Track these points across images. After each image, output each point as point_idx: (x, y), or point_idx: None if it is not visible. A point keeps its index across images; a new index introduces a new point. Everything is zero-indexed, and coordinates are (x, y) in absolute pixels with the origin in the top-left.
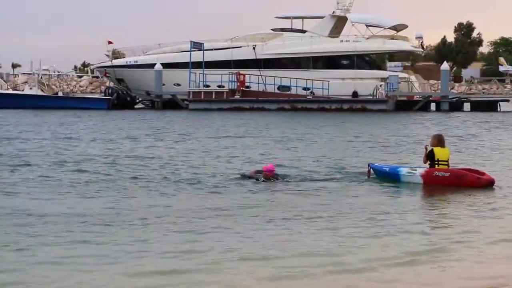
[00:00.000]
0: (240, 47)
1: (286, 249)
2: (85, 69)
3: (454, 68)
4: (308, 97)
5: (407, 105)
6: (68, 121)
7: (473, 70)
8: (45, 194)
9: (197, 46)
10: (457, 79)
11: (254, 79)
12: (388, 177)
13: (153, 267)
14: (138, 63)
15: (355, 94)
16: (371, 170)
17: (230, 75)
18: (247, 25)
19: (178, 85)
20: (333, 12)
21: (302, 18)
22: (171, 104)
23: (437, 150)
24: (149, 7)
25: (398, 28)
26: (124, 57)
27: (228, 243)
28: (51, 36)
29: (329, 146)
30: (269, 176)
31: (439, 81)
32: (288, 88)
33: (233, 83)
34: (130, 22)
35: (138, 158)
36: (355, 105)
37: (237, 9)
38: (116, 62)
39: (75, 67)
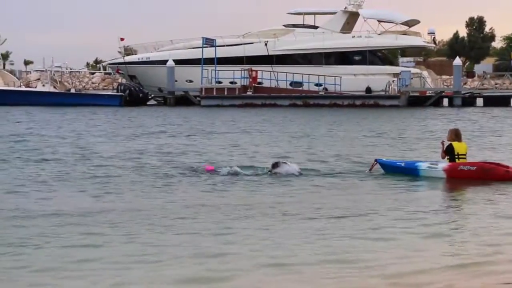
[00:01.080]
0: (252, 43)
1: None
2: (98, 65)
3: (467, 64)
4: (320, 93)
5: (420, 101)
6: (88, 119)
7: (485, 65)
8: (68, 191)
9: (209, 42)
10: (470, 74)
11: (266, 75)
12: (403, 173)
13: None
14: (151, 59)
15: (368, 90)
16: (376, 165)
17: (242, 71)
18: (259, 24)
19: (191, 81)
20: (345, 7)
21: (314, 14)
22: (184, 100)
23: (456, 144)
24: (161, 5)
25: (410, 23)
26: (136, 54)
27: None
28: (63, 33)
29: (345, 142)
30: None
31: (452, 77)
32: (300, 84)
33: (245, 79)
34: (142, 19)
35: (168, 154)
36: (368, 101)
37: (248, 9)
38: (129, 58)
39: (88, 64)
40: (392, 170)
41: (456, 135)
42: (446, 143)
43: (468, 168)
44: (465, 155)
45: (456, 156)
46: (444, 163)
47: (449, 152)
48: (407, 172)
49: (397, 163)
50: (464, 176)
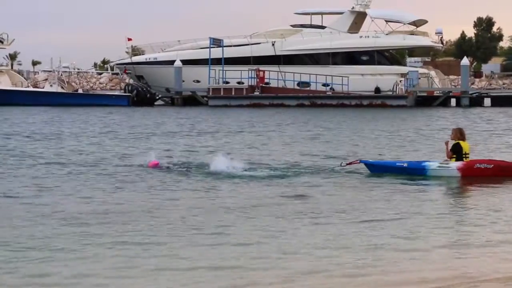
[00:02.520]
0: (260, 43)
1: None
2: (105, 66)
3: (474, 63)
4: (327, 93)
5: (427, 101)
6: (105, 118)
7: (493, 65)
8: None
9: (216, 42)
10: (477, 74)
11: (274, 75)
12: (404, 173)
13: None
14: (158, 60)
15: (377, 90)
16: (358, 164)
17: (250, 72)
18: (266, 24)
19: (198, 81)
20: (353, 7)
21: (321, 14)
22: (191, 100)
23: (462, 144)
24: (168, 5)
25: (417, 23)
26: (143, 54)
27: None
28: (71, 33)
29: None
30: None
31: (459, 77)
32: (307, 84)
33: (253, 79)
34: (150, 20)
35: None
36: (375, 101)
37: (255, 10)
38: (136, 59)
39: (95, 64)
40: (385, 170)
41: (460, 133)
42: (451, 143)
43: (485, 166)
44: (469, 154)
45: (464, 155)
46: (458, 162)
47: (456, 151)
48: (411, 172)
49: (396, 164)
50: (481, 174)
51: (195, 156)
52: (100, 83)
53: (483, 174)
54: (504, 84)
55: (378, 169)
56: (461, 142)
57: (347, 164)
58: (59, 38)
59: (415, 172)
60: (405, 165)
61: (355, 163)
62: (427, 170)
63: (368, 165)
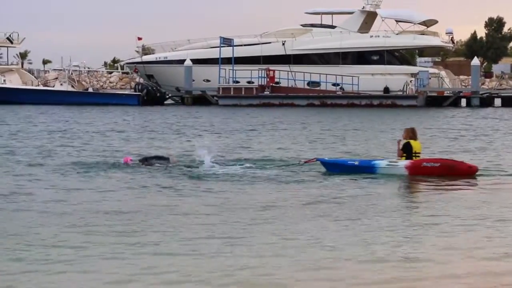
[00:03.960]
0: (270, 43)
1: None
2: (115, 65)
3: (485, 64)
4: (337, 93)
5: (437, 101)
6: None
7: (503, 65)
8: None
9: (226, 42)
10: (488, 74)
11: (284, 75)
12: (356, 171)
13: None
14: (168, 59)
15: (386, 90)
16: (313, 163)
17: (260, 71)
18: (276, 24)
19: (208, 81)
20: (363, 7)
21: (332, 13)
22: (201, 100)
23: (413, 143)
24: (179, 5)
25: (428, 23)
26: (154, 53)
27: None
28: (81, 32)
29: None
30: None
31: (470, 77)
32: (317, 84)
33: (263, 79)
34: (160, 19)
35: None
36: (385, 100)
37: (266, 9)
38: (146, 58)
39: (105, 63)
40: (339, 169)
41: (413, 133)
42: (403, 142)
43: (432, 164)
44: (420, 153)
45: (414, 154)
46: (406, 161)
47: (407, 150)
48: (362, 170)
49: (348, 162)
50: (428, 173)
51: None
52: (110, 82)
53: (431, 173)
54: None
55: (332, 168)
56: (412, 141)
57: (305, 162)
58: (70, 37)
59: (365, 170)
60: (356, 163)
61: (312, 161)
62: (377, 168)
63: (324, 163)
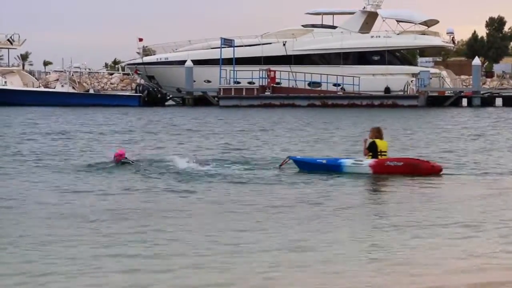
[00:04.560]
0: (271, 43)
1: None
2: (116, 66)
3: (486, 63)
4: (338, 93)
5: (438, 101)
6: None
7: (504, 65)
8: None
9: (227, 42)
10: (489, 74)
11: (285, 76)
12: (324, 170)
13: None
14: (169, 60)
15: (387, 90)
16: (287, 162)
17: (261, 72)
18: (277, 24)
19: (209, 81)
20: (364, 7)
21: (333, 14)
22: (202, 100)
23: (378, 142)
24: (177, 6)
25: (429, 23)
26: (154, 54)
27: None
28: (82, 33)
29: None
30: (119, 160)
31: (471, 77)
32: (318, 84)
33: (264, 79)
34: (160, 20)
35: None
36: (386, 101)
37: (266, 10)
38: (147, 59)
39: (106, 64)
40: (309, 167)
41: (378, 132)
42: (369, 141)
43: (395, 163)
44: (386, 152)
45: (379, 153)
46: (370, 160)
47: (372, 150)
48: (328, 168)
49: (317, 161)
50: (391, 171)
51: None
52: (111, 83)
53: (394, 172)
54: None
55: (303, 166)
56: (377, 140)
57: (280, 165)
58: (70, 37)
59: (332, 169)
60: (324, 162)
61: (286, 161)
62: (343, 167)
63: (296, 161)
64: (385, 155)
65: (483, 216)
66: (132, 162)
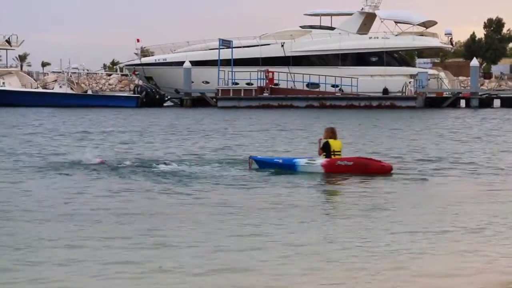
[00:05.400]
0: (269, 44)
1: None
2: (114, 67)
3: (484, 64)
4: (336, 94)
5: (437, 102)
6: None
7: (503, 66)
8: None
9: (225, 43)
10: (487, 75)
11: (283, 77)
12: (281, 169)
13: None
14: (167, 61)
15: (385, 91)
16: (253, 162)
17: (259, 73)
18: (275, 25)
19: (207, 82)
20: (362, 8)
21: (331, 15)
22: (200, 101)
23: (332, 142)
24: (176, 6)
25: (427, 24)
26: (153, 55)
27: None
28: (80, 34)
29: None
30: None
31: (469, 78)
32: (316, 85)
33: (262, 80)
34: (159, 21)
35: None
36: (384, 102)
37: (264, 11)
38: (145, 60)
39: (104, 65)
40: (268, 166)
41: (332, 132)
42: (323, 141)
43: (345, 163)
44: (340, 151)
45: (332, 153)
46: (322, 159)
47: (326, 149)
48: (284, 167)
49: (274, 160)
50: (342, 171)
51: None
52: (109, 84)
53: (345, 171)
54: None
55: (263, 165)
56: (331, 140)
57: (250, 167)
58: (69, 37)
59: (288, 168)
60: (281, 161)
61: (250, 162)
62: (297, 166)
63: (256, 161)
64: (338, 154)
65: (482, 215)
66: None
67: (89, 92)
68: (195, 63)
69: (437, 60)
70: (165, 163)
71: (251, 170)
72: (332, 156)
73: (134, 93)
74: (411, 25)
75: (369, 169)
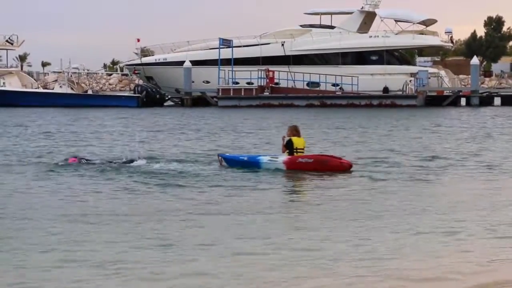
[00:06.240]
0: (269, 43)
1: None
2: (115, 67)
3: (484, 63)
4: (337, 93)
5: (437, 100)
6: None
7: (503, 64)
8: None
9: (226, 43)
10: (487, 73)
11: (283, 76)
12: (246, 166)
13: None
14: (167, 60)
15: (386, 89)
16: (222, 160)
17: (259, 72)
18: (275, 24)
19: (207, 82)
20: (362, 7)
21: (331, 14)
22: (201, 101)
23: (295, 139)
24: (176, 6)
25: (427, 23)
26: (153, 55)
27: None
28: (81, 34)
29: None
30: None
31: (469, 76)
32: (317, 84)
33: (262, 79)
34: (159, 20)
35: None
36: (385, 100)
37: (264, 10)
38: (145, 60)
39: (105, 65)
40: (234, 164)
41: (295, 130)
42: (286, 139)
43: (306, 160)
44: (303, 149)
45: (295, 150)
46: (284, 156)
47: (289, 147)
48: (249, 165)
49: (240, 157)
50: (302, 168)
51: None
52: (109, 84)
53: (306, 168)
54: None
55: (230, 162)
56: (294, 138)
57: (220, 164)
58: (69, 39)
59: (252, 165)
60: (246, 158)
61: (220, 159)
62: (261, 163)
63: (225, 159)
64: (301, 152)
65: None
66: (86, 161)
67: (90, 92)
68: (196, 63)
69: (437, 59)
70: (132, 160)
71: (221, 167)
72: (295, 153)
73: (135, 93)
74: (411, 24)
75: (328, 166)
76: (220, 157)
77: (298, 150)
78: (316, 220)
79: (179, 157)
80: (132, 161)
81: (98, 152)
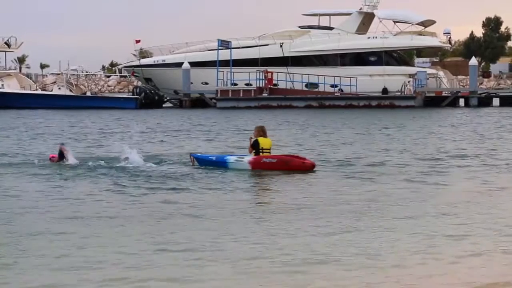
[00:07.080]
0: (268, 45)
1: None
2: (113, 68)
3: (483, 63)
4: (336, 94)
5: (436, 101)
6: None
7: (501, 65)
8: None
9: (224, 44)
10: (486, 74)
11: (282, 77)
12: (215, 166)
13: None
14: (166, 62)
15: (385, 90)
16: (194, 160)
17: (258, 73)
18: (274, 26)
19: (206, 83)
20: (360, 8)
21: (329, 15)
22: (199, 102)
23: (261, 140)
24: (176, 6)
25: (425, 23)
26: (151, 56)
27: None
28: (79, 36)
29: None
30: (54, 161)
31: (468, 77)
32: (316, 85)
33: (261, 81)
34: (157, 22)
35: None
36: (383, 101)
37: (263, 11)
38: (144, 61)
39: (103, 66)
40: (204, 163)
41: (262, 131)
42: (253, 139)
43: (270, 160)
44: (269, 149)
45: (261, 150)
46: (249, 157)
47: (255, 147)
48: (217, 165)
49: (209, 157)
50: (267, 168)
51: None
52: (108, 85)
53: (270, 168)
54: None
55: (200, 162)
56: (260, 138)
57: (193, 164)
58: (67, 41)
59: (220, 165)
60: (214, 158)
61: (191, 159)
62: (228, 163)
63: (196, 158)
64: (267, 152)
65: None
66: (66, 160)
67: (88, 93)
68: (194, 64)
69: (436, 59)
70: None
71: (194, 166)
72: (261, 154)
73: (133, 95)
74: (410, 25)
75: (291, 166)
76: (192, 157)
77: (264, 150)
78: (305, 221)
79: (160, 158)
80: (123, 160)
81: (88, 151)
